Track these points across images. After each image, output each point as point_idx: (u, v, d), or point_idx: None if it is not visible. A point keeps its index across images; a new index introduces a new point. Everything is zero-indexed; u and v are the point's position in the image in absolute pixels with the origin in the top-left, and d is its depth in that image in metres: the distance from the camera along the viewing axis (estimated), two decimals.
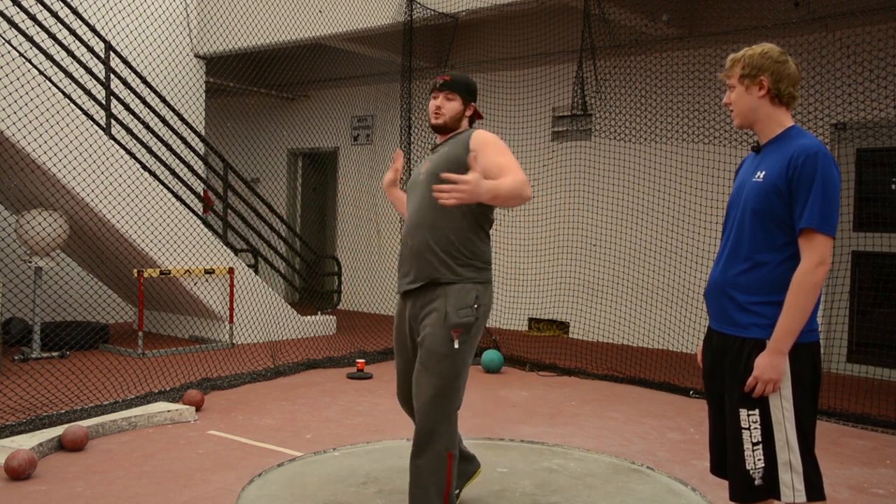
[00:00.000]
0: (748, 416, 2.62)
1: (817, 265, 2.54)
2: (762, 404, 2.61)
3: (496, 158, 3.21)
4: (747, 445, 2.63)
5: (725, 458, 2.76)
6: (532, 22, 8.63)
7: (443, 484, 3.28)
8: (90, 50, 7.72)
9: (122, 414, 5.27)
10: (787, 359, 2.58)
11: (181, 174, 8.67)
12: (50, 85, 6.92)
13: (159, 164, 8.35)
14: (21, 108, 6.58)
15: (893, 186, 7.35)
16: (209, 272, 8.09)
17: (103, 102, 7.74)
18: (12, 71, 6.60)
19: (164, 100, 8.53)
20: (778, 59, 2.67)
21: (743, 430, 2.63)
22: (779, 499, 2.63)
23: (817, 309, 2.64)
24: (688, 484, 4.21)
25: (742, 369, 2.64)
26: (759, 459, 2.61)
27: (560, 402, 6.24)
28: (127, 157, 7.55)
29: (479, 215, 3.32)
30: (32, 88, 6.70)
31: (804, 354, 2.62)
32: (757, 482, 2.62)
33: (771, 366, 2.56)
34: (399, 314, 3.48)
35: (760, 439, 2.61)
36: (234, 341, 8.35)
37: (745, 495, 2.65)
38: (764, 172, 2.65)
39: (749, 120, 2.74)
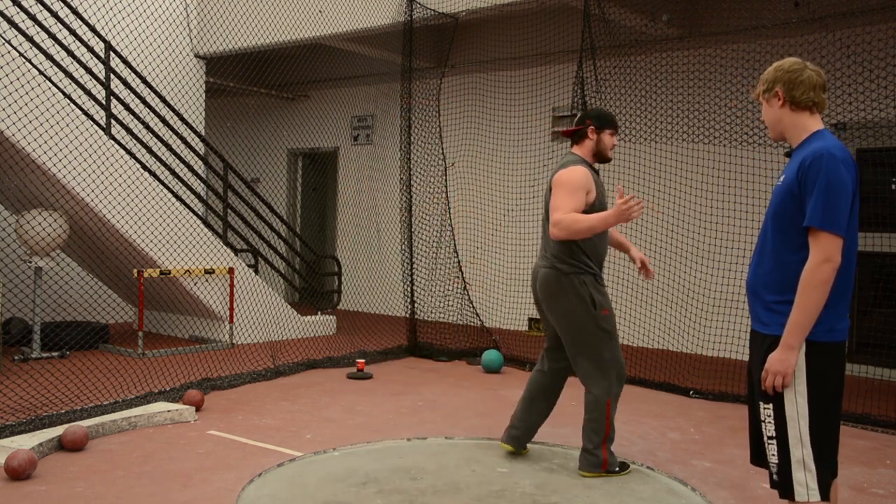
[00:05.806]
0: (764, 409, 2.71)
1: (822, 262, 2.60)
2: (776, 399, 2.67)
3: None
4: (766, 439, 2.71)
5: (759, 449, 2.84)
6: (532, 22, 8.62)
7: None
8: (90, 50, 7.72)
9: (122, 414, 5.27)
10: (801, 355, 2.63)
11: (181, 174, 8.67)
12: (50, 85, 6.92)
13: (159, 164, 8.35)
14: (21, 108, 6.58)
15: (893, 186, 7.35)
16: (209, 272, 8.09)
17: (103, 102, 7.74)
18: (12, 71, 6.60)
19: (164, 100, 8.54)
20: (789, 69, 2.78)
21: (762, 423, 2.72)
22: (793, 498, 2.64)
23: (845, 308, 2.71)
24: (688, 484, 4.21)
25: (761, 364, 2.73)
26: (773, 454, 2.67)
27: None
28: (127, 157, 7.55)
29: None
30: (32, 88, 6.69)
31: (824, 353, 2.66)
32: (774, 477, 2.69)
33: (778, 360, 2.64)
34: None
35: (774, 434, 2.67)
36: (234, 341, 8.35)
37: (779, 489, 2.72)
38: (784, 177, 2.76)
39: (777, 130, 2.85)
